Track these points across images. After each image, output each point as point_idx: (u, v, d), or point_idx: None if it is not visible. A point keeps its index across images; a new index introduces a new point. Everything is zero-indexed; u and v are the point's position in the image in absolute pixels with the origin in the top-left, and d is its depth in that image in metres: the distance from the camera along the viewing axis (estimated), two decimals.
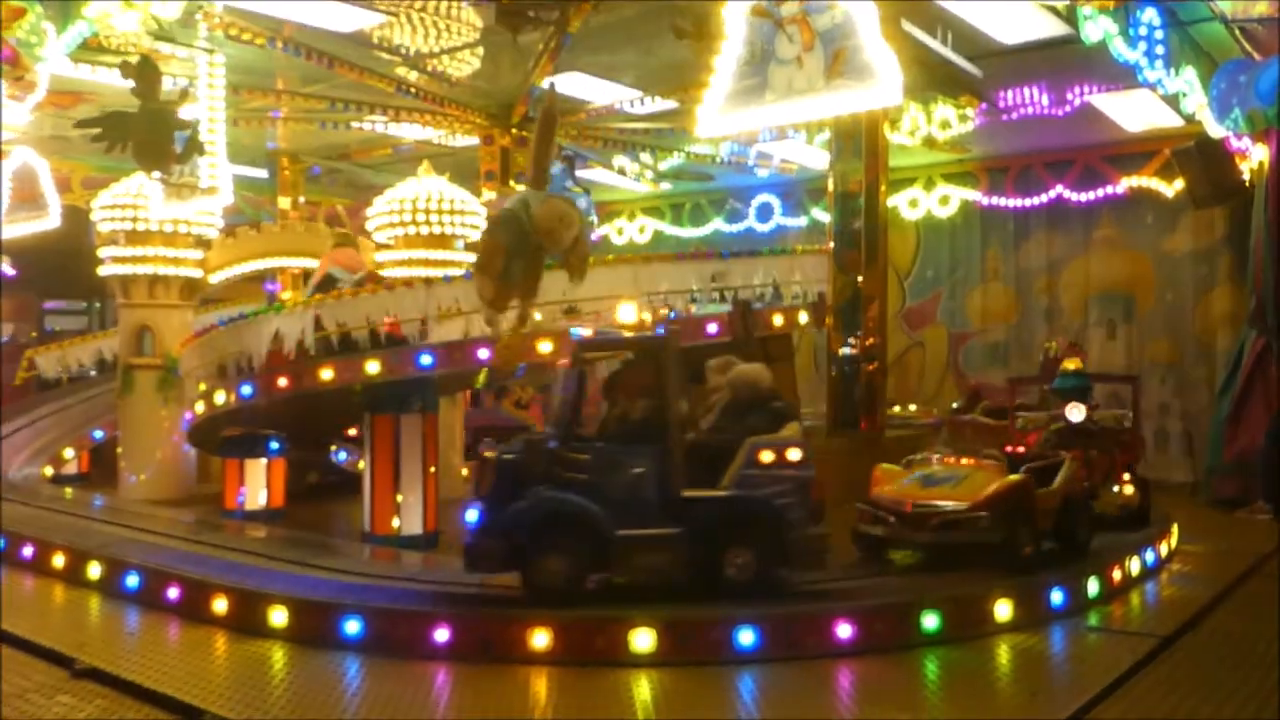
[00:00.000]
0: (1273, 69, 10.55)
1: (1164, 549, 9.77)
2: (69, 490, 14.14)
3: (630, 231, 21.13)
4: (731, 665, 6.62)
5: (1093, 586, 8.18)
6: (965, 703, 6.14)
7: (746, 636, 6.74)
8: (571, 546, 7.09)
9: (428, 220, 13.22)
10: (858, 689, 6.42)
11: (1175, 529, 10.34)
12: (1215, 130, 11.85)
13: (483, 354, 10.28)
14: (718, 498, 7.26)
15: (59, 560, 9.48)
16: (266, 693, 6.26)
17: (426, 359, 10.41)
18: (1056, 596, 7.82)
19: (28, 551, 9.90)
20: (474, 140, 15.52)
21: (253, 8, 11.07)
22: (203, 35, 11.10)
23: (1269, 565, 9.88)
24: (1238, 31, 11.27)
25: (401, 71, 13.25)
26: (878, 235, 10.50)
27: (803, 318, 12.74)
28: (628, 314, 7.81)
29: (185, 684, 6.34)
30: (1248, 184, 13.73)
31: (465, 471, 13.12)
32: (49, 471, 15.21)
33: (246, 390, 10.98)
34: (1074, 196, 16.33)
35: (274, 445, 12.49)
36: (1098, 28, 9.27)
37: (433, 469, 10.98)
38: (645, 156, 17.39)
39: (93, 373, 17.55)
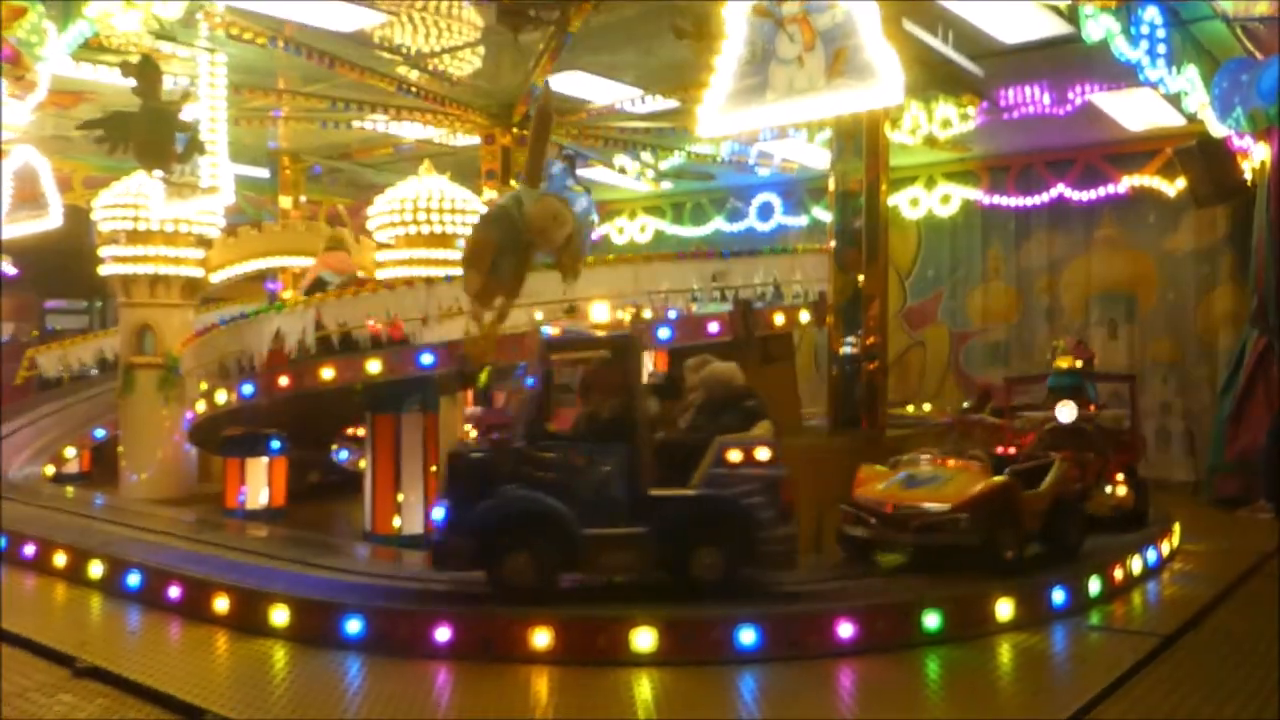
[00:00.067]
0: (1274, 68, 10.55)
1: (1165, 548, 9.77)
2: (70, 489, 14.16)
3: (631, 231, 21.10)
4: (733, 665, 6.62)
5: (1094, 586, 8.18)
6: (966, 702, 6.14)
7: (748, 636, 6.73)
8: (539, 545, 7.09)
9: (429, 219, 13.25)
10: (859, 688, 6.42)
11: (1177, 528, 10.34)
12: (1217, 129, 11.85)
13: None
14: (685, 497, 7.23)
15: (60, 559, 9.48)
16: (268, 692, 6.27)
17: (427, 358, 10.41)
18: (1058, 596, 7.82)
19: (29, 550, 9.91)
20: (475, 139, 15.48)
21: (254, 7, 11.05)
22: (204, 35, 11.11)
23: (1270, 564, 9.87)
24: (1239, 30, 11.27)
25: (402, 71, 13.23)
26: (878, 234, 10.46)
27: (804, 317, 12.72)
28: (601, 313, 7.80)
29: (186, 683, 6.34)
30: (1249, 183, 13.70)
31: None
32: (50, 470, 15.21)
33: (247, 389, 10.99)
34: (1075, 196, 16.27)
35: (275, 444, 12.51)
36: (1099, 26, 9.25)
37: (434, 468, 10.97)
38: (646, 155, 17.34)
39: (94, 372, 17.58)
